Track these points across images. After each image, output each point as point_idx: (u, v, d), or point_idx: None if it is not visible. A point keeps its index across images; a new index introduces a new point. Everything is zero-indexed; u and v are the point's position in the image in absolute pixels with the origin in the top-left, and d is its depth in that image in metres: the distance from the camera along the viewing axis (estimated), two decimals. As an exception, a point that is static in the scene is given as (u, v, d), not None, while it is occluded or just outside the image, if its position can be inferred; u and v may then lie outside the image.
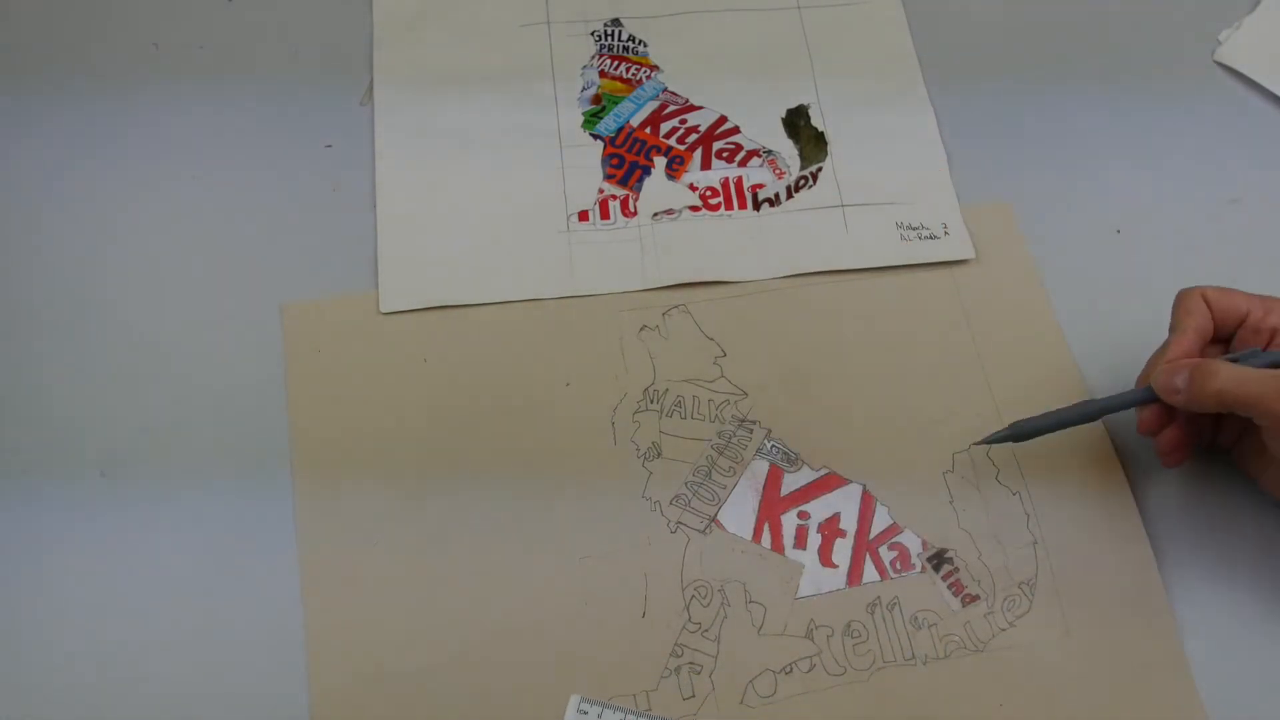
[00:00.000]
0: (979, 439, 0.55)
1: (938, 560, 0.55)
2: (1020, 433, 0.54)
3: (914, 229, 0.63)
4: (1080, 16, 0.71)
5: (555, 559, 0.55)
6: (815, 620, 0.54)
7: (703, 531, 0.55)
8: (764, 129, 0.66)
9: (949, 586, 0.55)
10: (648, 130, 0.66)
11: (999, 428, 0.56)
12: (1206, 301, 0.53)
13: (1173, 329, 0.54)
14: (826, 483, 0.57)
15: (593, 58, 0.68)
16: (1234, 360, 0.52)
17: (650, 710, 0.51)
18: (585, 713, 0.52)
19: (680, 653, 0.53)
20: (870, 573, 0.55)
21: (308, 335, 0.59)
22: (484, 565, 0.54)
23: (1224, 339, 0.54)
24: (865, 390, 0.58)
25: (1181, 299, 0.54)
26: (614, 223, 0.63)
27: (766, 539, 0.56)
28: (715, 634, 0.53)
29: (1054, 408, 0.54)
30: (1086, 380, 0.59)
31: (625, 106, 0.66)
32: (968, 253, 0.62)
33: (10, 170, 0.64)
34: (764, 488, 0.57)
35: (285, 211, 0.63)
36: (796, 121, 0.66)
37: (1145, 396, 0.53)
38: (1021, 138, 0.67)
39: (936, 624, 0.54)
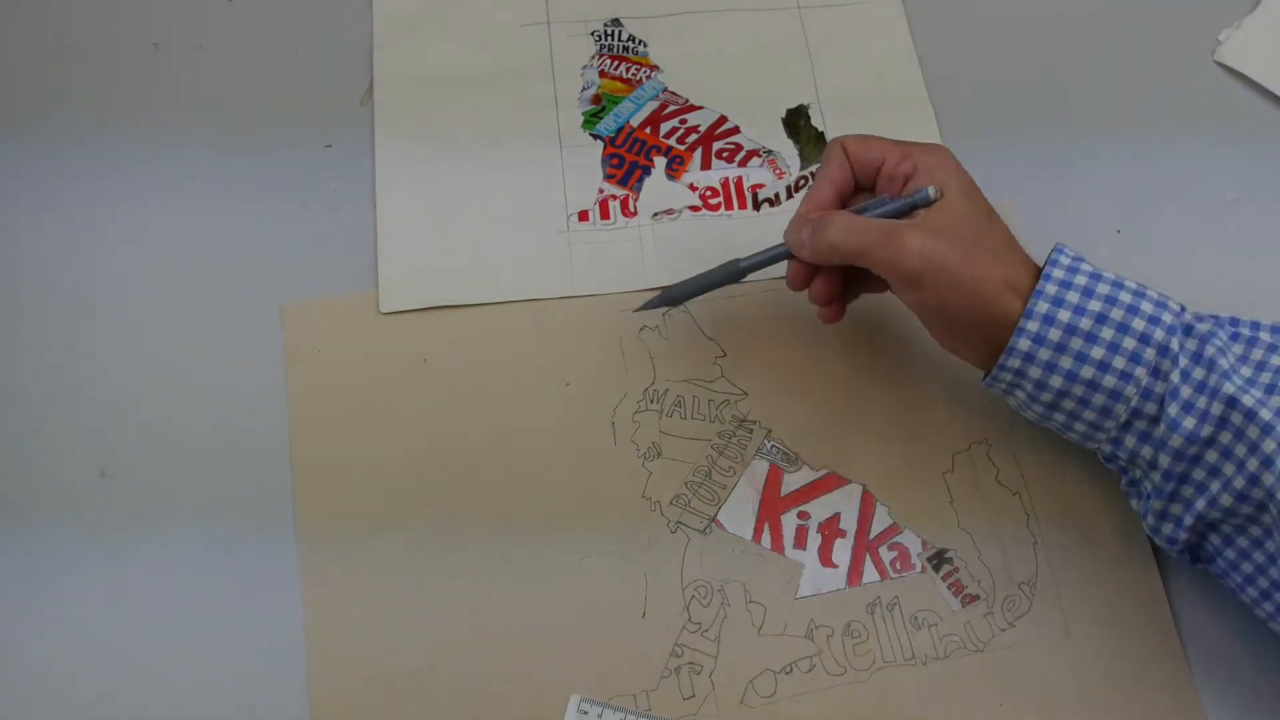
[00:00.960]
0: (638, 307, 0.57)
1: (938, 560, 0.55)
2: (671, 297, 0.55)
3: (914, 229, 0.63)
4: (1080, 16, 0.71)
5: (555, 559, 0.55)
6: (815, 620, 0.54)
7: (703, 531, 0.55)
8: (764, 129, 0.66)
9: (949, 587, 0.55)
10: (648, 130, 0.66)
11: (999, 426, 0.56)
12: (845, 152, 0.53)
13: (814, 179, 0.54)
14: (826, 483, 0.57)
15: (593, 58, 0.68)
16: (861, 210, 0.52)
17: (650, 710, 0.51)
18: (585, 713, 0.52)
19: (680, 653, 0.53)
20: (870, 573, 0.55)
21: (307, 335, 0.59)
22: (484, 566, 0.54)
23: (869, 188, 0.54)
24: (865, 390, 0.58)
25: (826, 151, 0.54)
26: (614, 223, 0.63)
27: (766, 539, 0.56)
28: (715, 634, 0.53)
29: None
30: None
31: (625, 106, 0.66)
32: (967, 253, 0.62)
33: (10, 171, 0.64)
34: (764, 488, 0.57)
35: (285, 212, 0.63)
36: (796, 121, 0.66)
37: (784, 253, 0.54)
38: (1021, 137, 0.66)
39: (936, 624, 0.54)
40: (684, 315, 0.60)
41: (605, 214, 0.63)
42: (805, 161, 0.65)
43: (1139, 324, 0.47)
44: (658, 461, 0.57)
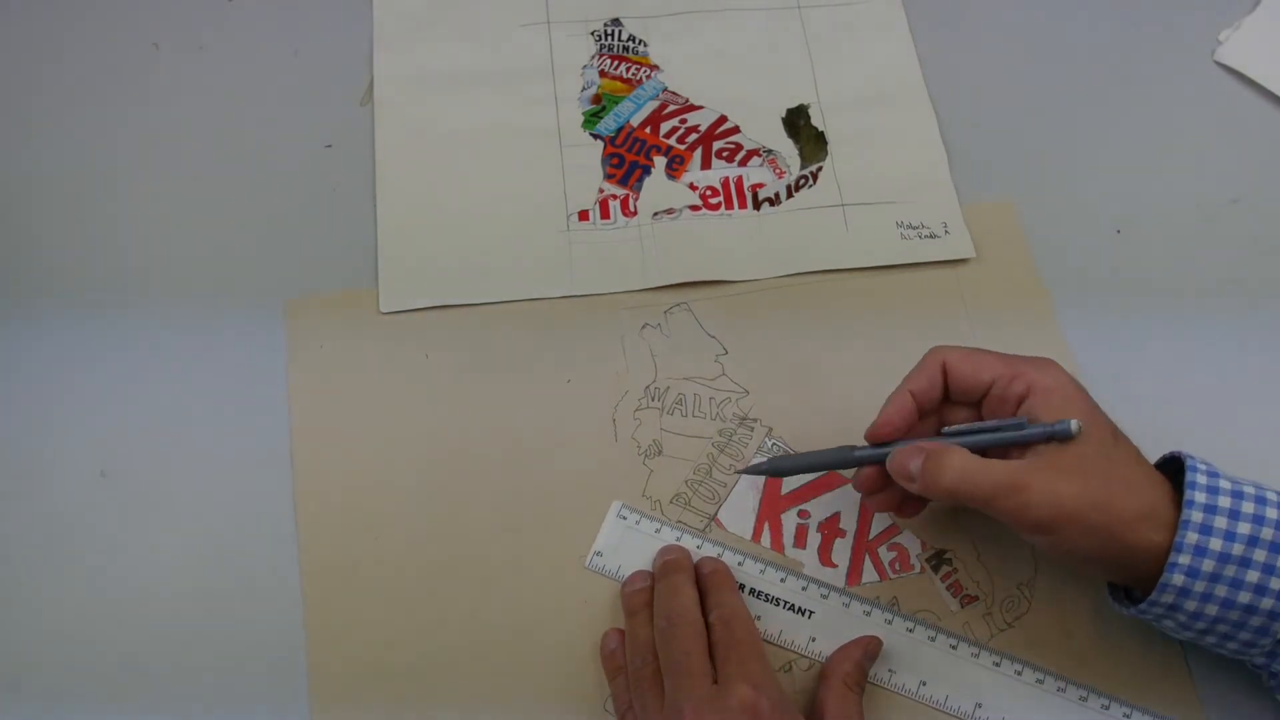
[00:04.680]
0: (745, 468, 0.55)
1: (936, 561, 0.55)
2: (779, 468, 0.54)
3: (914, 228, 0.63)
4: (1081, 16, 0.71)
5: (556, 558, 0.55)
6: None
7: (703, 530, 0.55)
8: (764, 129, 0.66)
9: (948, 587, 0.55)
10: (648, 130, 0.66)
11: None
12: (946, 369, 0.50)
13: (902, 384, 0.51)
14: (826, 481, 0.57)
15: (593, 58, 0.68)
16: (981, 433, 0.49)
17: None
18: (625, 518, 0.54)
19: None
20: (870, 573, 0.55)
21: (310, 331, 0.59)
22: (484, 563, 0.54)
23: (970, 404, 0.51)
24: (866, 388, 0.58)
25: (924, 359, 0.51)
26: (614, 222, 0.63)
27: (766, 538, 0.55)
28: (715, 633, 0.53)
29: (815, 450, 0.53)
30: (1086, 379, 0.59)
31: (625, 106, 0.66)
32: (968, 252, 0.62)
33: (13, 169, 0.64)
34: (764, 486, 0.57)
35: (286, 212, 0.63)
36: (797, 121, 0.66)
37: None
38: (1022, 137, 0.66)
39: (936, 624, 0.54)
40: (685, 313, 0.60)
41: (605, 213, 0.63)
42: (805, 161, 0.65)
43: None
44: (659, 459, 0.57)
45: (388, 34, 0.68)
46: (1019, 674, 0.52)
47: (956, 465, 0.47)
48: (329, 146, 0.65)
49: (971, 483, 0.47)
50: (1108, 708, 0.51)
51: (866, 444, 0.51)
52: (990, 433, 0.49)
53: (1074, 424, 0.47)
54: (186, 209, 0.63)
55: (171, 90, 0.66)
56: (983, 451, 0.48)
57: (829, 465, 0.54)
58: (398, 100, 0.66)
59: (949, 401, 0.51)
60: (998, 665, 0.52)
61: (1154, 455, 0.50)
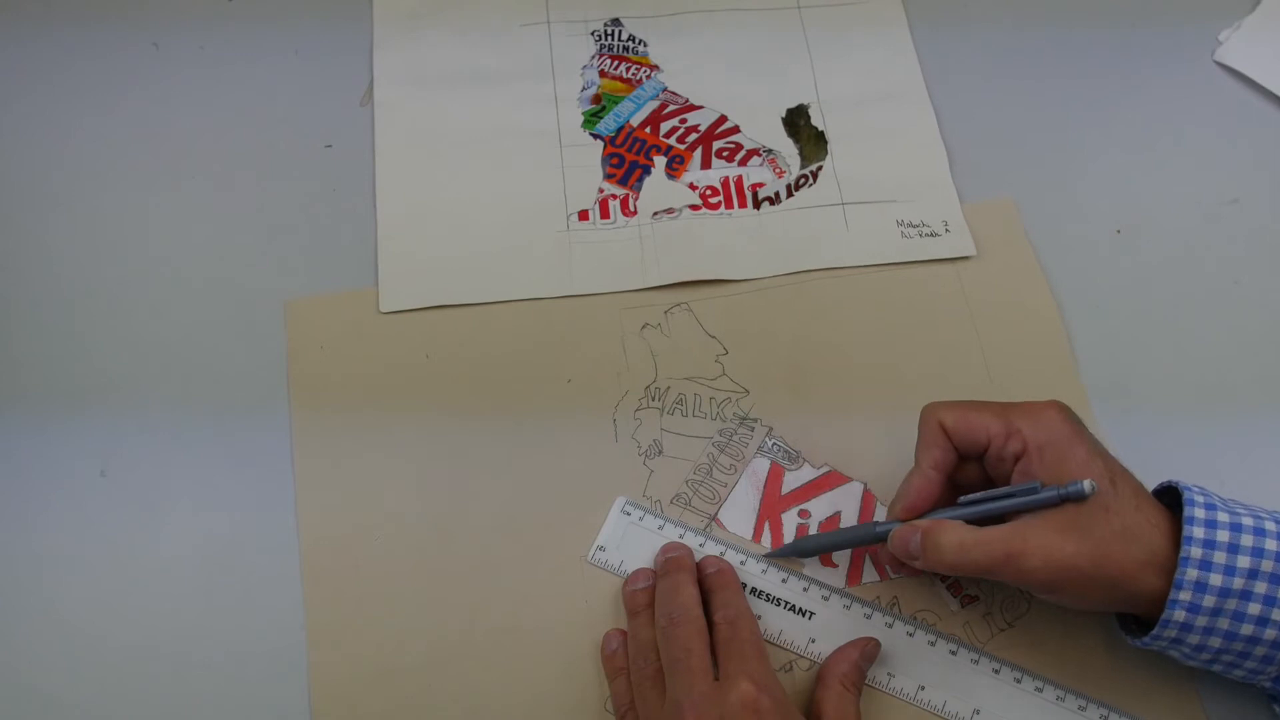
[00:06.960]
0: (770, 553, 0.55)
1: (938, 560, 0.55)
2: (802, 549, 0.54)
3: (914, 226, 0.63)
4: (1081, 17, 0.71)
5: (556, 558, 0.55)
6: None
7: (704, 529, 0.55)
8: (764, 128, 0.66)
9: (948, 587, 0.55)
10: (648, 130, 0.66)
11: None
12: (945, 430, 0.50)
13: (916, 460, 0.51)
14: (827, 480, 0.57)
15: (593, 58, 0.68)
16: (992, 500, 0.49)
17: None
18: (628, 513, 0.55)
19: (681, 652, 0.53)
20: (870, 573, 0.55)
21: (311, 331, 0.59)
22: (483, 564, 0.54)
23: (975, 458, 0.51)
24: (867, 388, 0.58)
25: (922, 425, 0.51)
26: (614, 222, 0.63)
27: (767, 538, 0.55)
28: (716, 633, 0.53)
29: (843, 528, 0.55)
30: (1085, 378, 0.59)
31: (625, 106, 0.66)
32: (969, 249, 0.62)
33: (13, 169, 0.64)
34: (765, 486, 0.57)
35: (287, 212, 0.63)
36: (797, 121, 0.66)
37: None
38: (1022, 138, 0.66)
39: (936, 624, 0.54)
40: (686, 313, 0.60)
41: (605, 213, 0.63)
42: (805, 160, 0.65)
43: None
44: (659, 459, 0.57)
45: (388, 34, 0.68)
46: (1018, 681, 0.52)
47: (954, 542, 0.48)
48: (329, 146, 0.65)
49: (969, 558, 0.48)
50: (1106, 718, 0.51)
51: (888, 520, 0.52)
52: (1005, 499, 0.49)
53: (1087, 484, 0.47)
54: (186, 208, 0.63)
55: (171, 90, 0.66)
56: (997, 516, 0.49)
57: (853, 543, 0.54)
58: (398, 100, 0.66)
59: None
60: (997, 672, 0.52)
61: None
